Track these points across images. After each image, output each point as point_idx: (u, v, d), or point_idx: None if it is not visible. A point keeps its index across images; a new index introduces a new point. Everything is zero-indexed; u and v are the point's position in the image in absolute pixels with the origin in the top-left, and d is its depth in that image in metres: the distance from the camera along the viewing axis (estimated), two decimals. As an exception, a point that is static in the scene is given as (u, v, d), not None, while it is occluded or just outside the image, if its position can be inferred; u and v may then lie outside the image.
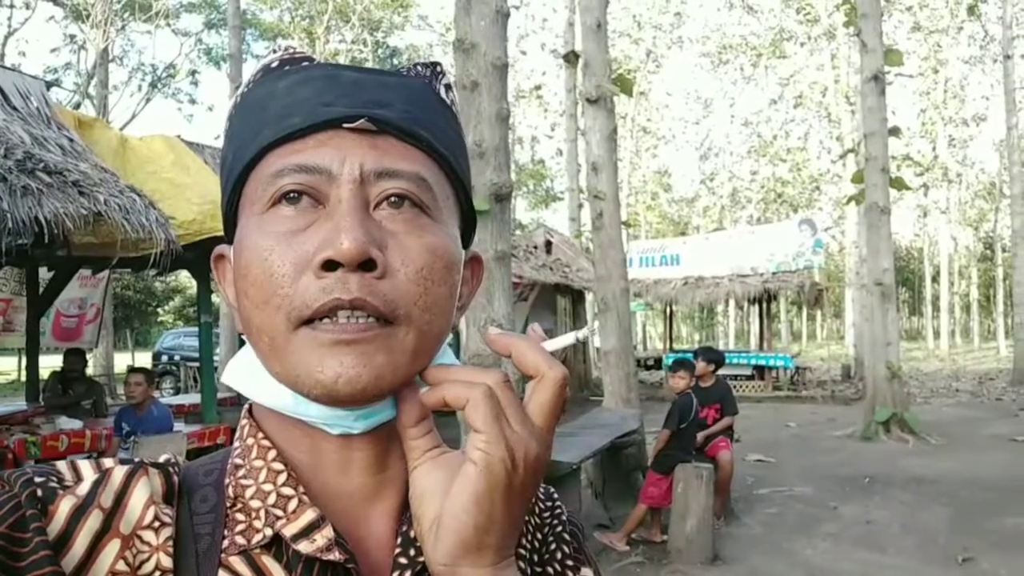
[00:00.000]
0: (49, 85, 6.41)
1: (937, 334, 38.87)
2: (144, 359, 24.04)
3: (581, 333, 0.54)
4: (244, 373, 0.56)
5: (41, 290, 7.99)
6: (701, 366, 6.72)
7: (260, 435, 0.56)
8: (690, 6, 31.39)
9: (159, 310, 34.90)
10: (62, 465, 0.52)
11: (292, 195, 0.51)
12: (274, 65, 0.56)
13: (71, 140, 5.59)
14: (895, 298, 11.04)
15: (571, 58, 8.31)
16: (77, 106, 21.38)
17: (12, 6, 22.70)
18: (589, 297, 16.42)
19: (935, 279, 38.02)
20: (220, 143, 0.59)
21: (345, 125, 0.52)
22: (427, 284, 0.52)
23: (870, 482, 7.97)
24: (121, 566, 0.48)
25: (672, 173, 41.12)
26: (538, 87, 31.12)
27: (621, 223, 8.39)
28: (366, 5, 27.81)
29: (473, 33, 4.76)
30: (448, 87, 0.59)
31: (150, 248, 5.26)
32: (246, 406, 0.59)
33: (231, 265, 0.56)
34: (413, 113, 0.54)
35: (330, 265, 0.49)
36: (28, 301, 7.98)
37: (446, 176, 0.57)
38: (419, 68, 0.58)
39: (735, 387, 15.98)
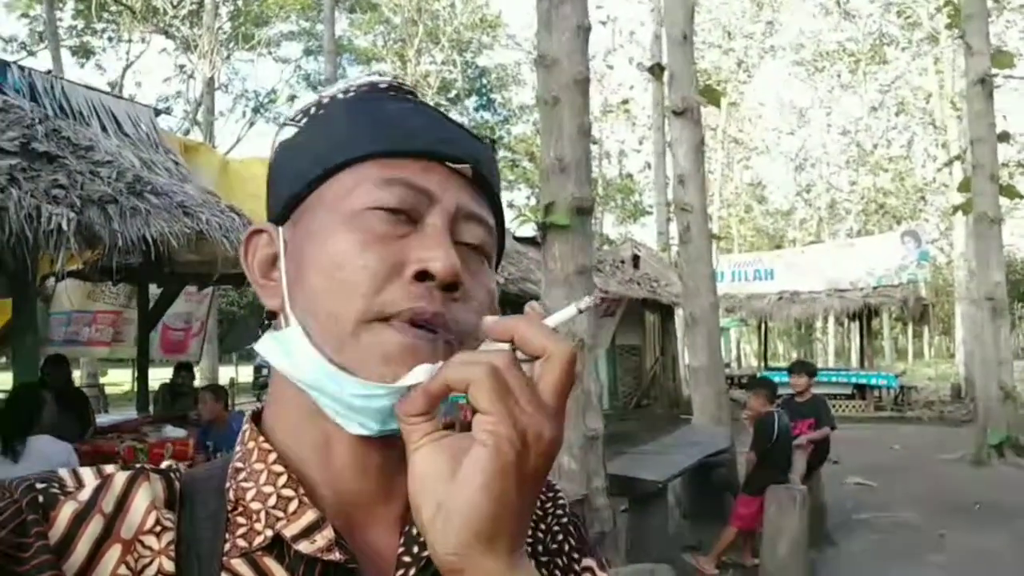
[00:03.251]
0: (158, 112, 6.82)
1: (1058, 352, 36.31)
2: (247, 372, 25.19)
3: (583, 303, 0.51)
4: (282, 348, 0.56)
5: (151, 306, 8.45)
6: (803, 381, 6.53)
7: (261, 439, 0.57)
8: (782, 14, 30.49)
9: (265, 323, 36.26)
10: (64, 472, 0.53)
11: (396, 210, 0.55)
12: (382, 86, 0.62)
13: (176, 164, 5.92)
14: (1008, 313, 10.38)
15: (657, 71, 8.23)
16: (187, 132, 22.68)
17: (130, 40, 24.33)
18: (678, 312, 16.13)
19: (1055, 293, 35.51)
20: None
21: (449, 164, 0.58)
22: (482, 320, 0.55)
23: (981, 509, 7.48)
24: (123, 571, 0.49)
25: (766, 185, 40.02)
26: (625, 101, 30.95)
27: (710, 236, 8.22)
28: (456, 27, 28.38)
29: (554, 49, 4.78)
30: (494, 159, 0.66)
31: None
32: (249, 412, 0.61)
33: (275, 243, 0.60)
34: (491, 171, 0.62)
35: (423, 276, 0.53)
36: (139, 317, 8.45)
37: (498, 228, 0.63)
38: (485, 140, 0.66)
39: (834, 407, 15.23)
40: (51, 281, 8.29)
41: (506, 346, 0.49)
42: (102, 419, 8.18)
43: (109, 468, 0.54)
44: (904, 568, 5.74)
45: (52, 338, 9.24)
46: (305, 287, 0.55)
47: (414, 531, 0.55)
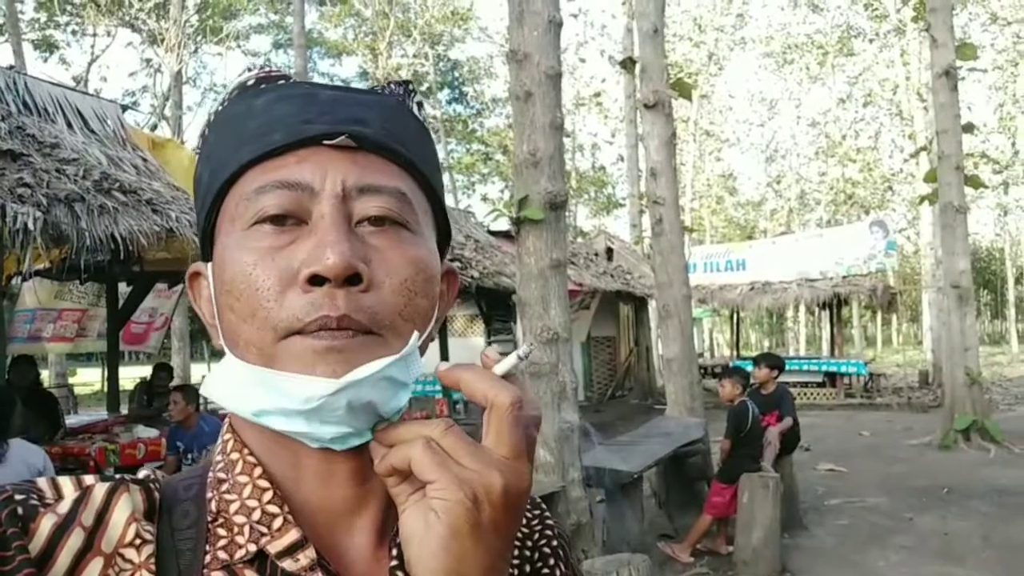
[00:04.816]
0: (124, 108, 6.71)
1: (1022, 338, 37.06)
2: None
3: (522, 350, 0.52)
4: (226, 388, 0.55)
5: (120, 304, 8.35)
6: (763, 373, 6.57)
7: (246, 451, 0.55)
8: (752, 6, 30.85)
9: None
10: (42, 483, 0.52)
11: (279, 216, 0.52)
12: (250, 83, 0.57)
13: (145, 160, 5.84)
14: (973, 301, 10.59)
15: (628, 64, 8.27)
16: (154, 127, 22.33)
17: (95, 34, 23.88)
18: (652, 304, 16.25)
19: (1019, 280, 36.28)
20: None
21: (325, 142, 0.53)
22: (409, 295, 0.53)
23: (948, 493, 7.65)
24: None
25: (737, 176, 40.36)
26: (597, 94, 31.02)
27: (682, 228, 8.28)
28: (427, 19, 28.22)
29: (526, 44, 4.78)
30: (420, 104, 0.61)
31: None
32: (227, 420, 0.59)
33: (208, 282, 0.57)
34: (390, 130, 0.56)
35: (316, 280, 0.50)
36: (108, 315, 8.34)
37: (423, 190, 0.58)
38: (392, 86, 0.60)
39: (805, 394, 15.65)
40: (16, 280, 8.15)
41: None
42: (72, 420, 8.09)
43: (88, 479, 0.53)
44: (873, 552, 5.86)
45: (15, 335, 9.09)
46: (225, 320, 0.54)
47: None
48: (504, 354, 0.52)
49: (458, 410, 12.06)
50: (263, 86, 0.57)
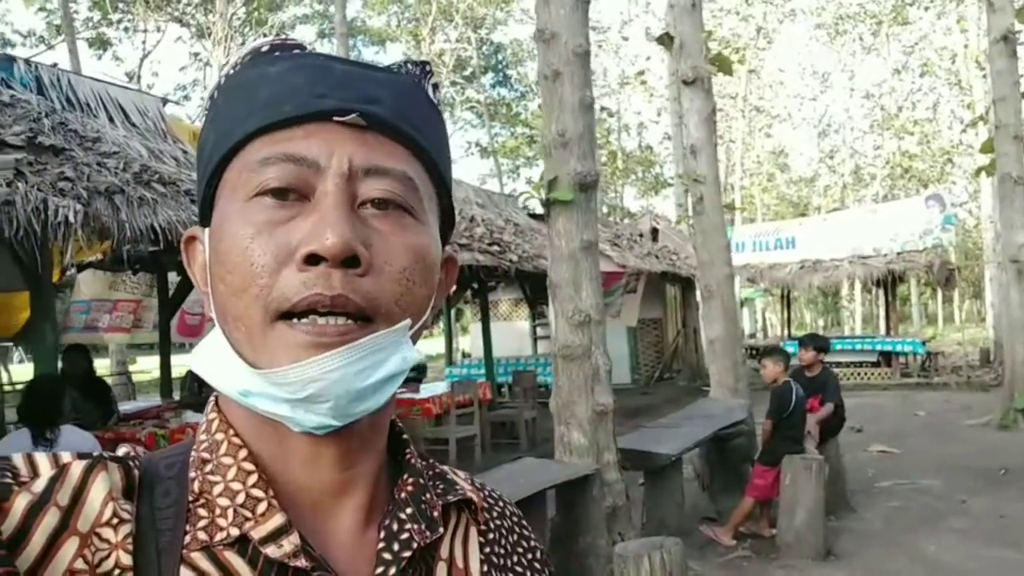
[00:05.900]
0: (165, 102, 6.85)
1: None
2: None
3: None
4: (213, 362, 0.54)
5: (170, 294, 8.57)
6: (810, 355, 6.42)
7: (231, 432, 0.54)
8: (803, -24, 29.83)
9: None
10: (18, 459, 0.50)
11: (281, 190, 0.51)
12: (264, 49, 0.56)
13: (185, 152, 5.96)
14: (1035, 275, 10.15)
15: (665, 40, 8.11)
16: (204, 120, 22.77)
17: (145, 30, 24.44)
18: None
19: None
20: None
21: (336, 118, 0.52)
22: (408, 284, 0.52)
23: (1006, 474, 7.39)
24: (80, 564, 0.47)
25: (789, 153, 39.35)
26: (641, 72, 30.54)
27: (723, 206, 8.12)
28: (469, 3, 28.14)
29: (553, 22, 4.72)
30: (436, 86, 0.59)
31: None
32: (212, 398, 0.58)
33: (203, 248, 0.55)
34: (402, 111, 0.54)
35: (313, 259, 0.49)
36: (159, 304, 8.57)
37: (429, 175, 0.57)
38: (409, 66, 0.58)
39: (859, 375, 15.30)
40: (72, 271, 8.43)
41: None
42: (127, 406, 8.35)
43: (65, 456, 0.51)
44: (924, 534, 5.69)
45: (71, 325, 9.41)
46: (216, 292, 0.53)
47: (394, 526, 0.55)
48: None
49: (503, 393, 12.10)
50: (277, 54, 0.55)
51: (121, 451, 0.55)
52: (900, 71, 31.35)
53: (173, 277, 8.68)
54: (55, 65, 5.75)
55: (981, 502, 6.50)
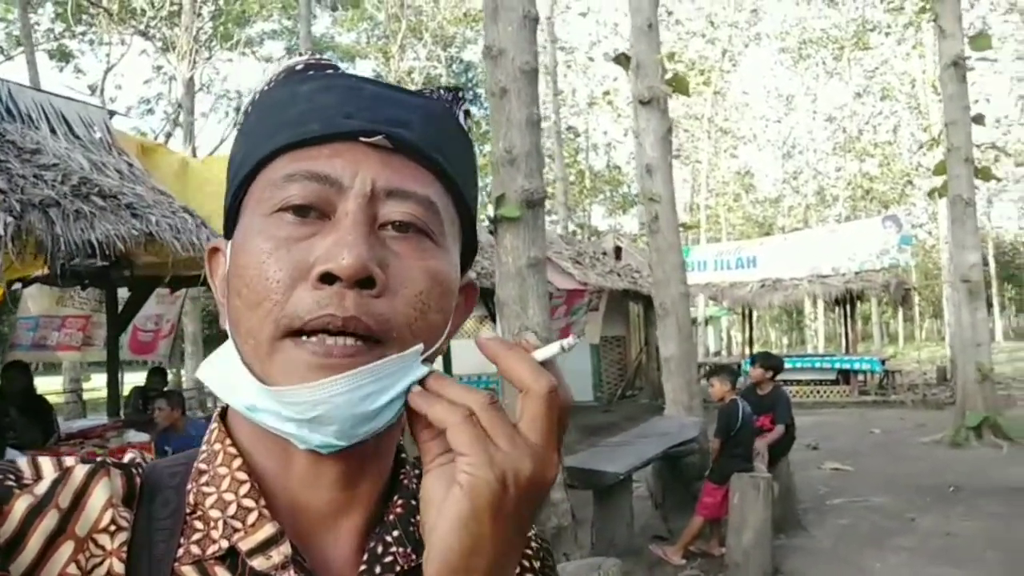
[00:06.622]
0: (112, 114, 6.74)
1: (1049, 333, 36.41)
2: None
3: (567, 342, 0.50)
4: (222, 375, 0.54)
5: (120, 309, 8.38)
6: (758, 372, 6.45)
7: (228, 441, 0.55)
8: (767, 1, 30.44)
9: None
10: (23, 462, 0.51)
11: (303, 207, 0.51)
12: (298, 67, 0.56)
13: (130, 165, 5.85)
14: (984, 295, 10.37)
15: (622, 60, 8.18)
16: (169, 134, 22.56)
17: (109, 43, 24.14)
18: (662, 303, 16.10)
19: (1044, 274, 35.58)
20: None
21: (362, 139, 0.52)
22: (423, 309, 0.52)
23: (955, 491, 7.48)
24: (73, 570, 0.47)
25: (754, 173, 39.95)
26: (607, 92, 30.86)
27: (680, 225, 8.18)
28: (439, 22, 28.25)
29: (501, 39, 4.73)
30: (468, 113, 0.60)
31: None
32: (218, 409, 0.58)
33: (225, 260, 0.56)
34: (430, 136, 0.54)
35: (328, 278, 0.48)
36: (108, 320, 8.39)
37: (453, 201, 0.57)
38: (442, 91, 0.59)
39: (818, 392, 15.46)
40: (18, 286, 8.22)
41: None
42: (73, 424, 8.14)
43: (69, 461, 0.51)
44: (871, 553, 5.72)
45: (19, 343, 9.16)
46: (231, 305, 0.53)
47: (378, 548, 0.54)
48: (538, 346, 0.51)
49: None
50: (311, 72, 0.56)
51: (127, 457, 0.55)
52: (861, 95, 32.06)
53: (123, 293, 8.51)
54: (-3, 77, 5.62)
55: (929, 520, 6.55)
